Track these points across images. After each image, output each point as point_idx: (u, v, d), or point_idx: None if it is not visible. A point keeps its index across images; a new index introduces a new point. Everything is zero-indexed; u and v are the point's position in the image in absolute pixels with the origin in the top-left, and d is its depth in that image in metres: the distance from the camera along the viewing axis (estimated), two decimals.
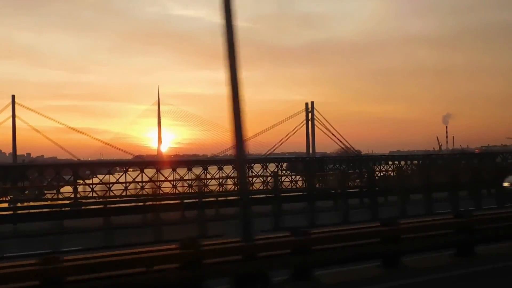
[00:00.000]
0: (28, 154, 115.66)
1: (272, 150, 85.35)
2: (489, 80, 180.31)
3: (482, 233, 12.28)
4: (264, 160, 65.53)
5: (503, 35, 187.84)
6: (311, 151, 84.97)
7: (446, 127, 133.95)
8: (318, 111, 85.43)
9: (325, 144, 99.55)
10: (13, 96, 69.99)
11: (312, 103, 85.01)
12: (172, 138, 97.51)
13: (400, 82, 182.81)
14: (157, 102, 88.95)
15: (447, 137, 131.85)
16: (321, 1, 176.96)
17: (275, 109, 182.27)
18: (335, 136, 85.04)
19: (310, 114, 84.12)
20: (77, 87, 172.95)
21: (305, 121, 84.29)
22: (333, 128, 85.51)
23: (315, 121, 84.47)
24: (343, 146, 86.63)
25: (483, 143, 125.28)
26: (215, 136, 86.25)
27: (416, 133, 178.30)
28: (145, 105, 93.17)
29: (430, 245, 11.67)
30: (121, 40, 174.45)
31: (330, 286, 10.24)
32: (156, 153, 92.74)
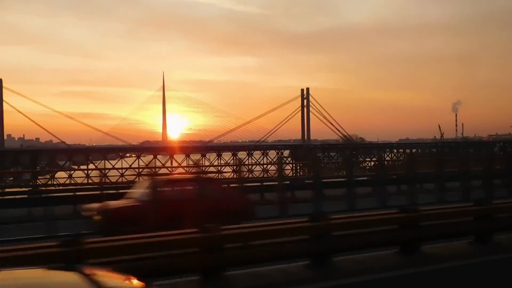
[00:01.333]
0: (21, 138, 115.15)
1: (265, 137, 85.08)
2: (504, 68, 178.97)
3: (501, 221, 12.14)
4: (265, 147, 65.18)
5: None
6: (306, 138, 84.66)
7: (456, 115, 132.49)
8: (314, 98, 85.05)
9: (321, 132, 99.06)
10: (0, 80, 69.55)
11: (307, 89, 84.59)
12: (185, 124, 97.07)
13: (415, 70, 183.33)
14: (162, 88, 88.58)
15: (456, 125, 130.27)
16: None
17: (287, 95, 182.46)
18: (332, 124, 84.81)
19: (305, 101, 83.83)
20: (91, 73, 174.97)
21: (300, 108, 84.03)
22: (330, 116, 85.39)
23: (311, 108, 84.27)
24: (340, 134, 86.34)
25: (496, 131, 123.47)
26: (225, 122, 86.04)
27: (428, 121, 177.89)
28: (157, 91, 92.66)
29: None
30: (134, 26, 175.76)
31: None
32: (161, 139, 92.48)
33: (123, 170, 37.64)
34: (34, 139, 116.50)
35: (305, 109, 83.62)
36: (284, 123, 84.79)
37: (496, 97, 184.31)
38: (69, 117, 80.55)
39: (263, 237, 9.69)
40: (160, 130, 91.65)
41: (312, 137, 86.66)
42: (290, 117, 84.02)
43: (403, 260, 10.73)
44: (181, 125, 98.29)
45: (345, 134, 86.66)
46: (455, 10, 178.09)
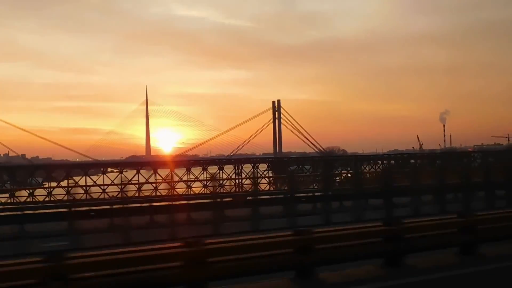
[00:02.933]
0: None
1: (236, 150, 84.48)
2: (492, 79, 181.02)
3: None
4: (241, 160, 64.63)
5: (508, 32, 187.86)
6: (278, 150, 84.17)
7: (444, 125, 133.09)
8: (285, 110, 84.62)
9: (297, 144, 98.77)
10: None
11: (278, 101, 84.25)
12: (172, 138, 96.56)
13: (403, 81, 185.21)
14: (147, 101, 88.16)
15: (444, 135, 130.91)
16: (324, 0, 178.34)
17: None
18: (304, 136, 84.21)
19: (277, 113, 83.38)
20: (83, 88, 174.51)
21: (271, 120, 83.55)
22: (302, 128, 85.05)
23: (285, 121, 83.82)
24: (314, 147, 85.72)
25: (484, 141, 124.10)
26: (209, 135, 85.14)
27: (417, 131, 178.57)
28: (155, 106, 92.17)
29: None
30: (125, 41, 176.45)
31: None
32: (145, 153, 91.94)
33: (93, 187, 36.73)
34: (20, 155, 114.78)
35: (276, 121, 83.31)
36: (255, 136, 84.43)
37: (483, 107, 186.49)
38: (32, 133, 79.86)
39: (248, 251, 9.64)
40: (154, 144, 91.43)
41: (289, 150, 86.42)
42: (261, 129, 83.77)
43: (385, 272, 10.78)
44: (167, 139, 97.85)
45: (319, 146, 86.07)
46: (442, 21, 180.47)
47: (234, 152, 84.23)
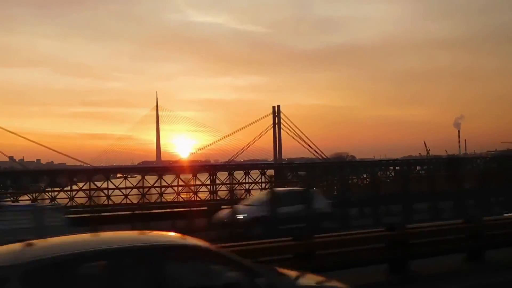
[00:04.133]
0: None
1: (235, 156, 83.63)
2: (508, 83, 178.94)
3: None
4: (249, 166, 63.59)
5: None
6: (277, 157, 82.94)
7: (458, 130, 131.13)
8: (286, 116, 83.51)
9: (293, 150, 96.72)
10: None
11: (278, 106, 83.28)
12: (187, 144, 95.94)
13: (418, 86, 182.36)
14: (157, 107, 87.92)
15: (459, 141, 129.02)
16: (339, 5, 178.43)
17: (294, 113, 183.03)
18: (306, 142, 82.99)
19: (277, 119, 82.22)
20: (101, 94, 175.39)
21: (272, 126, 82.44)
22: (303, 134, 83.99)
23: (284, 126, 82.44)
24: (315, 153, 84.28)
25: (498, 147, 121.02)
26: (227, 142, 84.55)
27: (433, 137, 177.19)
28: (166, 111, 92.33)
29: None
30: (142, 47, 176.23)
31: None
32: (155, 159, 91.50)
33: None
34: (35, 161, 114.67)
35: (276, 127, 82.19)
36: (254, 141, 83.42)
37: (499, 112, 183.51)
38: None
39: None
40: (172, 149, 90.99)
41: (289, 156, 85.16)
42: (261, 135, 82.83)
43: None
44: (180, 144, 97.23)
45: (321, 153, 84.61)
46: (457, 25, 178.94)
47: (232, 159, 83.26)
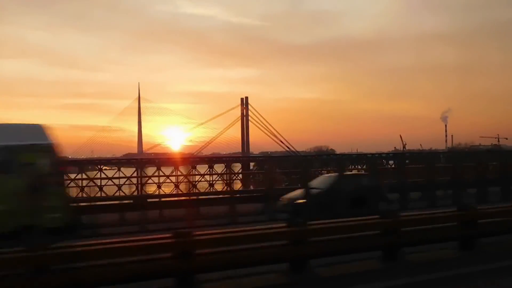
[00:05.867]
0: None
1: (202, 148, 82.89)
2: (500, 78, 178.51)
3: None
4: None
5: None
6: (245, 150, 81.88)
7: (446, 125, 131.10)
8: (253, 108, 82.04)
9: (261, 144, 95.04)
10: None
11: (246, 98, 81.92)
12: (186, 136, 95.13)
13: (411, 80, 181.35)
14: (140, 98, 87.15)
15: (446, 135, 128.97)
16: None
17: (288, 107, 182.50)
18: (274, 135, 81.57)
19: (245, 110, 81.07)
20: (91, 85, 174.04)
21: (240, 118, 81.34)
22: (272, 126, 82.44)
23: (251, 119, 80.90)
24: (283, 145, 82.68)
25: (485, 142, 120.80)
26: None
27: (421, 131, 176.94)
28: (155, 103, 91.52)
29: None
30: (133, 38, 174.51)
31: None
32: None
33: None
34: None
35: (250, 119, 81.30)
36: (221, 134, 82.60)
37: (490, 107, 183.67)
38: None
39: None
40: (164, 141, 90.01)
41: (259, 150, 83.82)
42: (229, 127, 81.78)
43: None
44: (169, 137, 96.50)
45: (291, 147, 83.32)
46: (451, 20, 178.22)
47: (199, 150, 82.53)
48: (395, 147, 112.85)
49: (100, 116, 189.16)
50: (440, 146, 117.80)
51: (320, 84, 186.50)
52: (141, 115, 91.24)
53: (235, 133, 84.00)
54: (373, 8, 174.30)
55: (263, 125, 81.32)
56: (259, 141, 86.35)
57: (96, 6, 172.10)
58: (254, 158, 64.22)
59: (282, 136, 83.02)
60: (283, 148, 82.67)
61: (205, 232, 9.59)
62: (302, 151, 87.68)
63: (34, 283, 7.38)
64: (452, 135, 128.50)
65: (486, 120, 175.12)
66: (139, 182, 28.00)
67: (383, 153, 58.02)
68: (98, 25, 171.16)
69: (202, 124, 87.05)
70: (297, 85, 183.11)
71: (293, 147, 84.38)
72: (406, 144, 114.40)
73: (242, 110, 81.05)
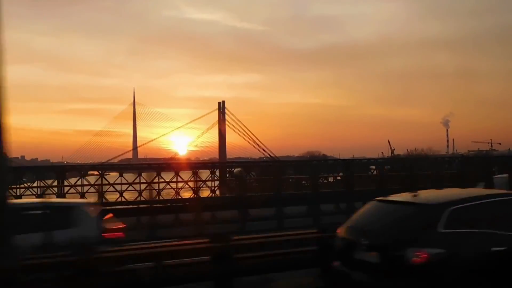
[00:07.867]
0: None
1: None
2: (505, 84, 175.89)
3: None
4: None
5: None
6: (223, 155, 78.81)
7: (447, 130, 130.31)
8: (231, 112, 79.76)
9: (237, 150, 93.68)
10: None
11: (223, 102, 79.75)
12: (190, 141, 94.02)
13: (415, 86, 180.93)
14: (135, 103, 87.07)
15: (447, 140, 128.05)
16: (337, 4, 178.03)
17: (293, 112, 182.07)
18: (253, 140, 79.13)
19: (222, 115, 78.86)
20: (97, 90, 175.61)
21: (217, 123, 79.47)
22: (250, 132, 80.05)
23: (228, 123, 78.78)
24: (262, 151, 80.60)
25: (481, 147, 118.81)
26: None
27: (423, 136, 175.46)
28: (159, 108, 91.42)
29: None
30: (139, 43, 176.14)
31: None
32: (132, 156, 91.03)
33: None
34: (20, 157, 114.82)
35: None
36: (198, 138, 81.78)
37: (493, 113, 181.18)
38: None
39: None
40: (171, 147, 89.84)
41: (236, 156, 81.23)
42: (205, 131, 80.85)
43: None
44: (187, 141, 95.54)
45: (269, 152, 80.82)
46: (455, 26, 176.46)
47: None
48: (382, 153, 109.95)
49: (106, 120, 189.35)
50: (442, 150, 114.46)
51: (324, 89, 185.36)
52: (146, 120, 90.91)
53: (235, 140, 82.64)
54: (377, 14, 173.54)
55: (243, 131, 79.07)
56: (239, 146, 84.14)
57: (102, 12, 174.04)
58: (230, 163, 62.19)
59: (262, 142, 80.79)
60: (263, 154, 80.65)
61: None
62: (293, 156, 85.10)
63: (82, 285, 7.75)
64: (453, 140, 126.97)
65: (488, 126, 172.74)
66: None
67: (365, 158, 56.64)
68: (104, 30, 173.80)
69: (180, 127, 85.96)
70: (301, 90, 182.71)
71: (272, 153, 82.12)
72: (394, 149, 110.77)
73: (219, 115, 79.01)
